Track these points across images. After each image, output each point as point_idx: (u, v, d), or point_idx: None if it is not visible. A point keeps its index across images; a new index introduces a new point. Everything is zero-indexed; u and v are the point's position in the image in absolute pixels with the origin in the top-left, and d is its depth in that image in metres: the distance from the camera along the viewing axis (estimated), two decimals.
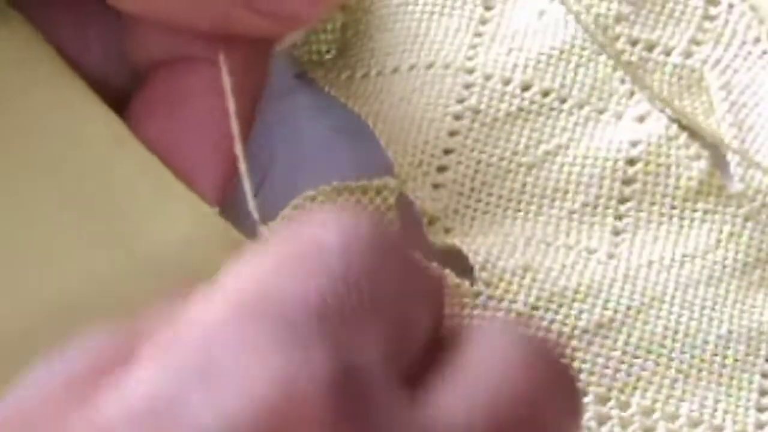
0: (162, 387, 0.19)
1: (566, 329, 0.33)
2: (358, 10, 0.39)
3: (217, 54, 0.32)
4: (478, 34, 0.38)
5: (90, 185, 0.31)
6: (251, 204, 0.31)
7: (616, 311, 0.34)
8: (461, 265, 0.34)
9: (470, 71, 0.37)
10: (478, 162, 0.36)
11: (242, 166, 0.31)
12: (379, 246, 0.22)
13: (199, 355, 0.20)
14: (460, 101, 0.37)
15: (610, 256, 0.35)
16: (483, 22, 0.38)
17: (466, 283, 0.34)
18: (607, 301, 0.34)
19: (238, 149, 0.31)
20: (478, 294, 0.34)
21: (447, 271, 0.33)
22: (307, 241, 0.22)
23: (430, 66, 0.37)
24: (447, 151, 0.36)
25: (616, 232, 0.35)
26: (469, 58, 0.37)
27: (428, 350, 0.22)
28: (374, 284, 0.21)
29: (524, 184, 0.36)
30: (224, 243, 0.31)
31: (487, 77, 0.37)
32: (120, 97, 0.33)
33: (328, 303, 0.20)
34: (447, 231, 0.35)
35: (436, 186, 0.36)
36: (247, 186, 0.31)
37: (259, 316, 0.20)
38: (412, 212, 0.35)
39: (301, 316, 0.20)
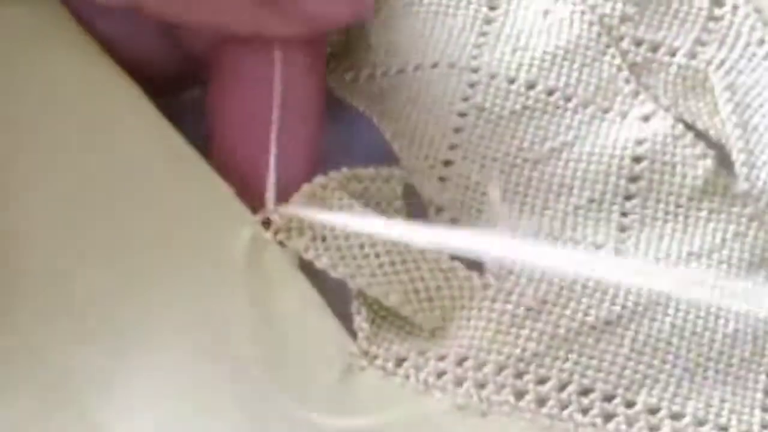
0: None
1: (574, 325, 0.33)
2: None
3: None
4: (483, 34, 0.37)
5: (119, 169, 0.31)
6: (270, 192, 0.31)
7: (623, 307, 0.33)
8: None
9: (475, 70, 0.37)
10: (483, 157, 0.35)
11: (272, 157, 0.31)
12: None
13: None
14: (465, 99, 0.36)
15: (618, 251, 0.34)
16: (488, 21, 0.38)
17: (475, 275, 0.33)
18: (615, 296, 0.33)
19: (273, 136, 0.31)
20: (487, 286, 0.33)
21: (456, 263, 0.33)
22: None
23: (434, 66, 0.37)
24: (452, 147, 0.35)
25: (622, 229, 0.35)
26: (474, 57, 0.37)
27: None
28: None
29: (530, 179, 0.35)
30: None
31: (492, 76, 0.37)
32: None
33: None
34: (453, 221, 0.34)
35: (441, 179, 0.35)
36: (271, 179, 0.31)
37: None
38: (419, 202, 0.34)
39: None
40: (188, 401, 0.29)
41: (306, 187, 0.33)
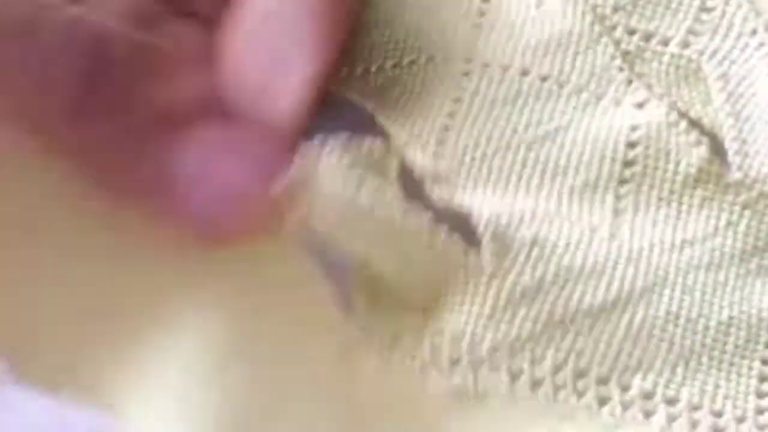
0: None
1: (570, 310, 0.31)
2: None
3: None
4: (477, 26, 0.36)
5: None
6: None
7: (619, 293, 0.31)
8: (466, 231, 0.31)
9: (468, 60, 0.35)
10: (478, 137, 0.33)
11: None
12: None
13: None
14: (459, 86, 0.35)
15: (613, 235, 0.32)
16: (481, 14, 0.36)
17: (472, 253, 0.31)
18: (610, 282, 0.31)
19: None
20: (484, 265, 0.31)
21: (453, 239, 0.31)
22: None
23: (429, 60, 0.35)
24: (445, 128, 0.34)
25: (617, 213, 0.33)
26: (468, 49, 0.35)
27: None
28: None
29: (525, 160, 0.33)
30: None
31: (486, 64, 0.35)
32: None
33: None
34: (449, 194, 0.32)
35: (435, 155, 0.33)
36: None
37: None
38: (413, 180, 0.32)
39: None
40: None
41: (300, 161, 0.31)
